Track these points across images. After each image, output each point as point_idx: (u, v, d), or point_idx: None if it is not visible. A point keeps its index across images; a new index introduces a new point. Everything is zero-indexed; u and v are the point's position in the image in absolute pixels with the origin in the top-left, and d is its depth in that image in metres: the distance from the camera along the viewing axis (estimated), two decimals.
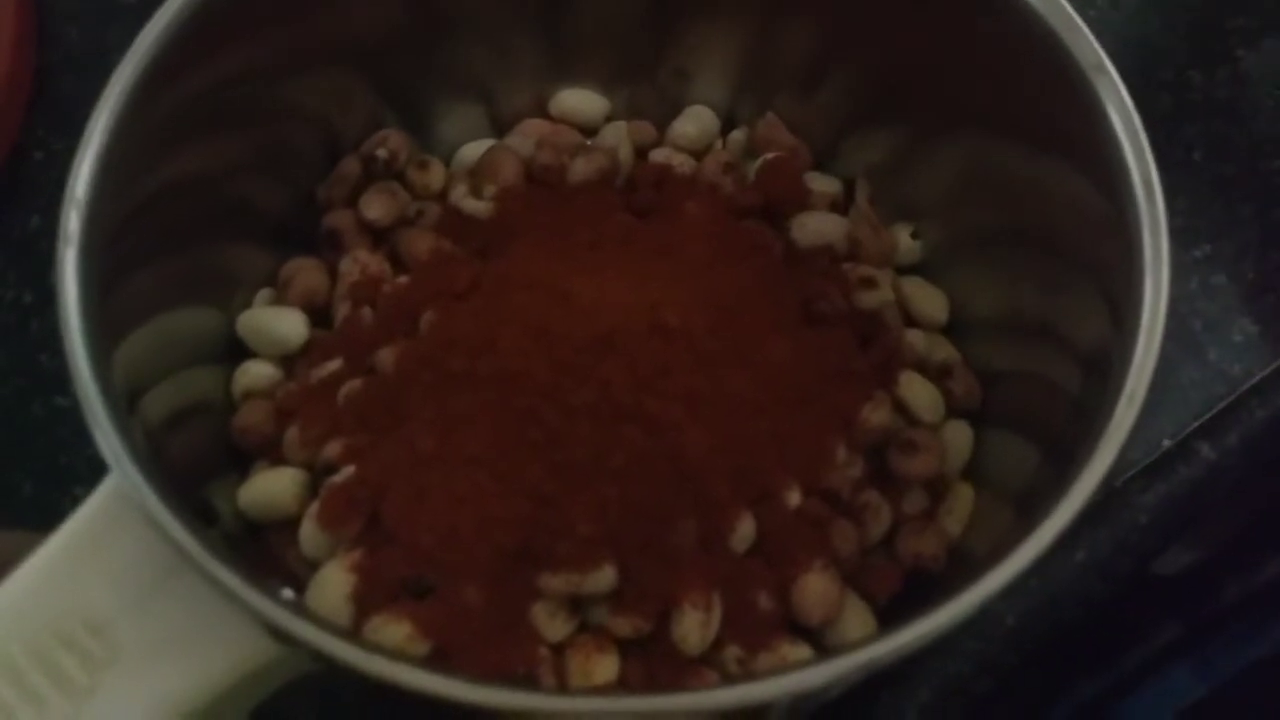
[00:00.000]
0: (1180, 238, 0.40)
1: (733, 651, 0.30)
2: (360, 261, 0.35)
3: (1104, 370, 0.28)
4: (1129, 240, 0.28)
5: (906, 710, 0.35)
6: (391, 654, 0.25)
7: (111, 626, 0.26)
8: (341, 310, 0.35)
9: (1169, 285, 0.28)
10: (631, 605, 0.30)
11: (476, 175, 0.36)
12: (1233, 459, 0.38)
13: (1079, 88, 0.29)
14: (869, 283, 0.35)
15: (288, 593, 0.28)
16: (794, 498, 0.31)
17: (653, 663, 0.30)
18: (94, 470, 0.27)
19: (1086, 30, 0.30)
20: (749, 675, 0.30)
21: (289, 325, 0.34)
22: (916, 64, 0.34)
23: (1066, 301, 0.32)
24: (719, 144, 0.39)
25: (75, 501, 0.28)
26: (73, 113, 0.29)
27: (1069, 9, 0.30)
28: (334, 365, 0.33)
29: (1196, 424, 0.38)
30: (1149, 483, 0.38)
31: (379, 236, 0.36)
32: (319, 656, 0.25)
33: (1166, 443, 0.38)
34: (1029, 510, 0.28)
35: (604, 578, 0.29)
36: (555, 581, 0.29)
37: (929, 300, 0.35)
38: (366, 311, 0.34)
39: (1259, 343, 0.39)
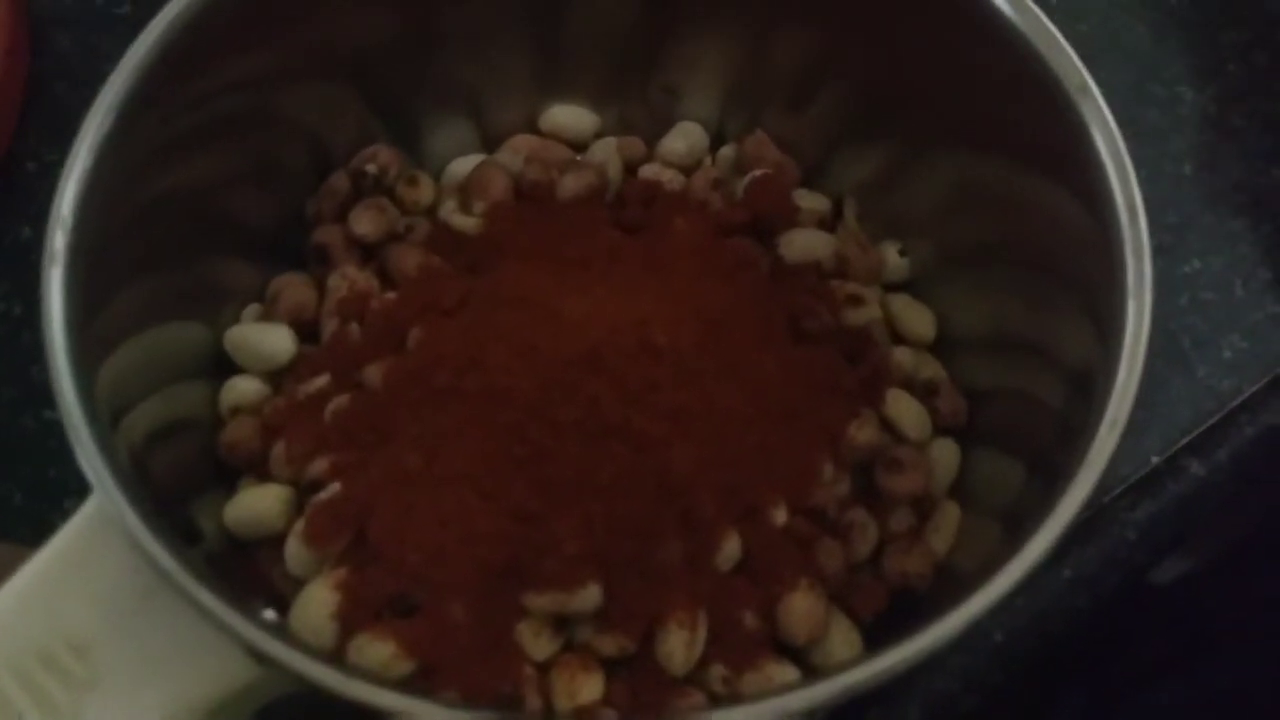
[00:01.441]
0: (1170, 253, 0.40)
1: (718, 671, 0.30)
2: (348, 277, 0.35)
3: (1089, 390, 0.28)
4: (1111, 262, 0.28)
5: None
6: (372, 678, 0.25)
7: (94, 647, 0.26)
8: (329, 326, 0.35)
9: (1152, 308, 0.28)
10: (617, 624, 0.30)
11: (466, 191, 0.36)
12: (1222, 476, 0.38)
13: (1064, 109, 0.29)
14: (856, 300, 0.35)
15: (269, 614, 0.28)
16: (780, 515, 0.31)
17: (638, 682, 0.30)
18: (85, 483, 0.26)
19: (1071, 51, 0.30)
20: (734, 695, 0.30)
21: (276, 341, 0.34)
22: (905, 82, 0.34)
23: (1052, 320, 0.32)
24: (708, 160, 0.38)
25: (66, 514, 0.28)
26: (65, 122, 0.29)
27: (1053, 30, 0.30)
28: (321, 381, 0.33)
29: (1185, 440, 0.38)
30: (1138, 499, 0.38)
31: (368, 252, 0.36)
32: (300, 679, 0.25)
33: (1155, 459, 0.38)
34: (1015, 529, 0.28)
35: (589, 596, 0.29)
36: (541, 600, 0.29)
37: (916, 318, 0.35)
38: (354, 327, 0.34)
39: (1248, 359, 0.39)
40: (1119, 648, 0.41)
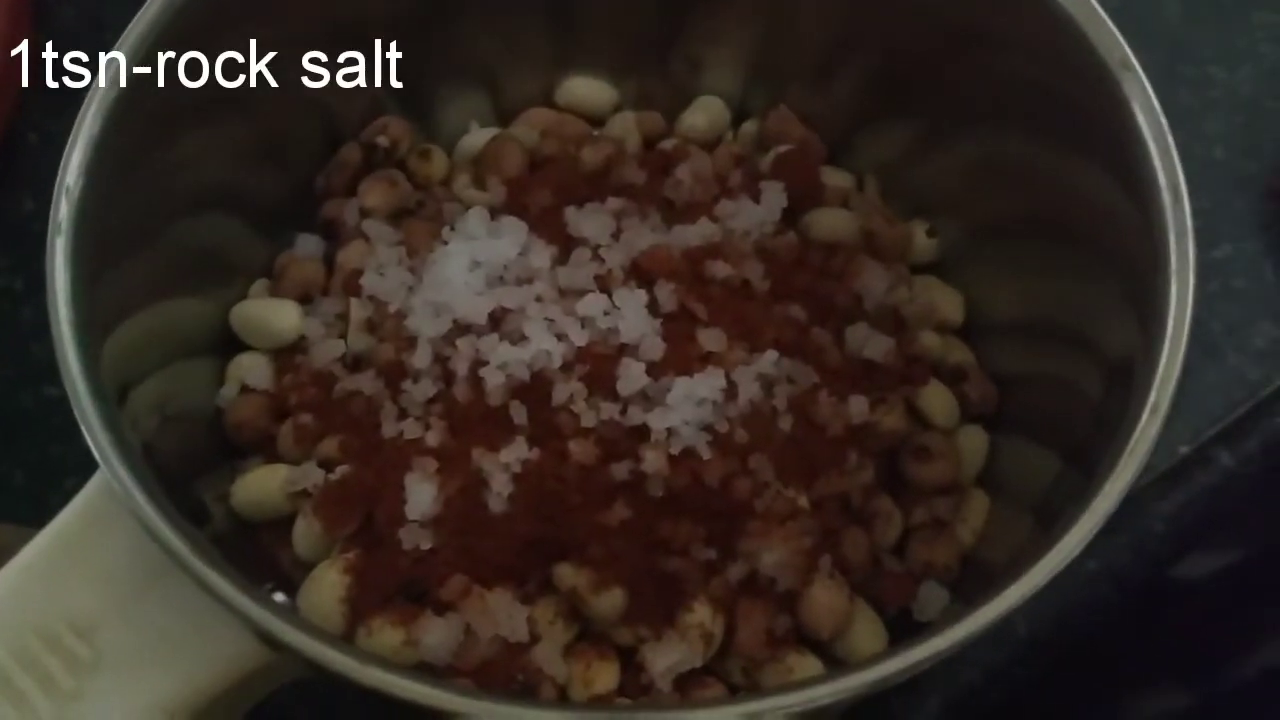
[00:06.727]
0: (1200, 238, 0.39)
1: (738, 662, 0.29)
2: (358, 251, 0.34)
3: (1127, 375, 0.27)
4: (1153, 243, 0.27)
5: None
6: (385, 664, 0.24)
7: (98, 629, 0.26)
8: (339, 301, 0.34)
9: (1194, 290, 0.27)
10: (635, 613, 0.29)
11: (480, 165, 0.35)
12: (1253, 466, 0.37)
13: (1104, 84, 0.28)
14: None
15: (279, 597, 0.27)
16: (803, 504, 0.30)
17: None
18: (86, 461, 0.26)
19: (1112, 26, 0.29)
20: (754, 686, 0.29)
21: (283, 317, 0.33)
22: (935, 55, 0.33)
23: (1087, 302, 0.31)
24: (730, 135, 0.38)
25: (67, 493, 0.27)
26: (68, 93, 0.29)
27: (1094, 3, 0.29)
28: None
29: (1215, 430, 0.37)
30: (1166, 490, 0.37)
31: None
32: (311, 664, 0.24)
33: (1184, 449, 0.37)
34: (1046, 520, 0.27)
35: (613, 599, 0.28)
36: (563, 570, 0.28)
37: (944, 300, 0.34)
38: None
39: None
40: (1143, 641, 0.40)
